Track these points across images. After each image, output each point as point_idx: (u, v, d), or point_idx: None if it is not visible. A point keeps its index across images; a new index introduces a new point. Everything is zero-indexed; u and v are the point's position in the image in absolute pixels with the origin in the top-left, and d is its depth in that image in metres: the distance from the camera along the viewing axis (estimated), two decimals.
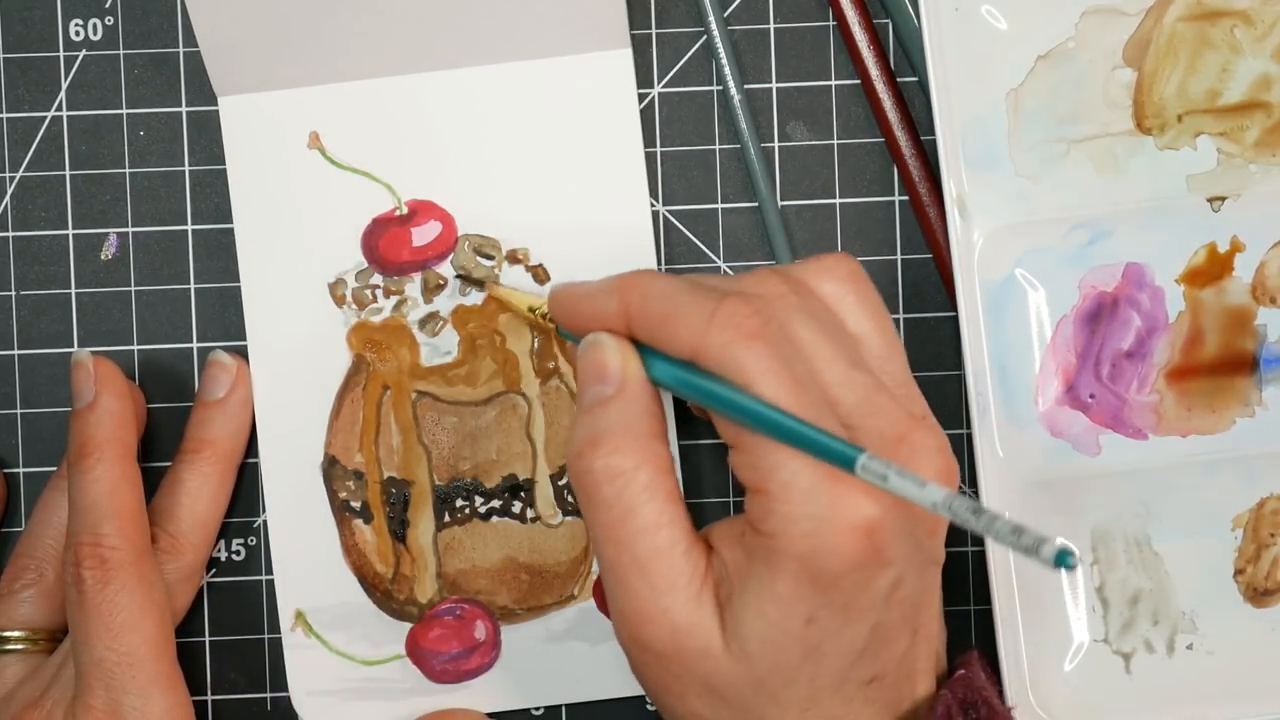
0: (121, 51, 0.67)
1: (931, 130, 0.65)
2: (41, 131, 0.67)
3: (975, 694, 0.60)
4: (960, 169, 0.65)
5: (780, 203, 0.68)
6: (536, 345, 0.67)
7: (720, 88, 0.68)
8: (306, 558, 0.67)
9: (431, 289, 0.66)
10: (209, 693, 0.68)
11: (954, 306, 0.66)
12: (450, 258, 0.67)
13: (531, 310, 0.64)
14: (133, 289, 0.68)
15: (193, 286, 0.68)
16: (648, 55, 0.68)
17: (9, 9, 0.67)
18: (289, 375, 0.66)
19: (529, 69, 0.66)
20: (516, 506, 0.67)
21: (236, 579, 0.68)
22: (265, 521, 0.67)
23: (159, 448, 0.68)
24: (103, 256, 0.68)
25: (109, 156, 0.67)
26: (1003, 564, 0.65)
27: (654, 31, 0.68)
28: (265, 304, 0.66)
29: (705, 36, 0.67)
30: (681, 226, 0.68)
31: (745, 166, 0.68)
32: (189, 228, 0.68)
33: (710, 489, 0.68)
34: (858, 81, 0.68)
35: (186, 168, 0.68)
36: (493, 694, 0.67)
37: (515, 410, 0.67)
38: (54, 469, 0.67)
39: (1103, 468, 0.66)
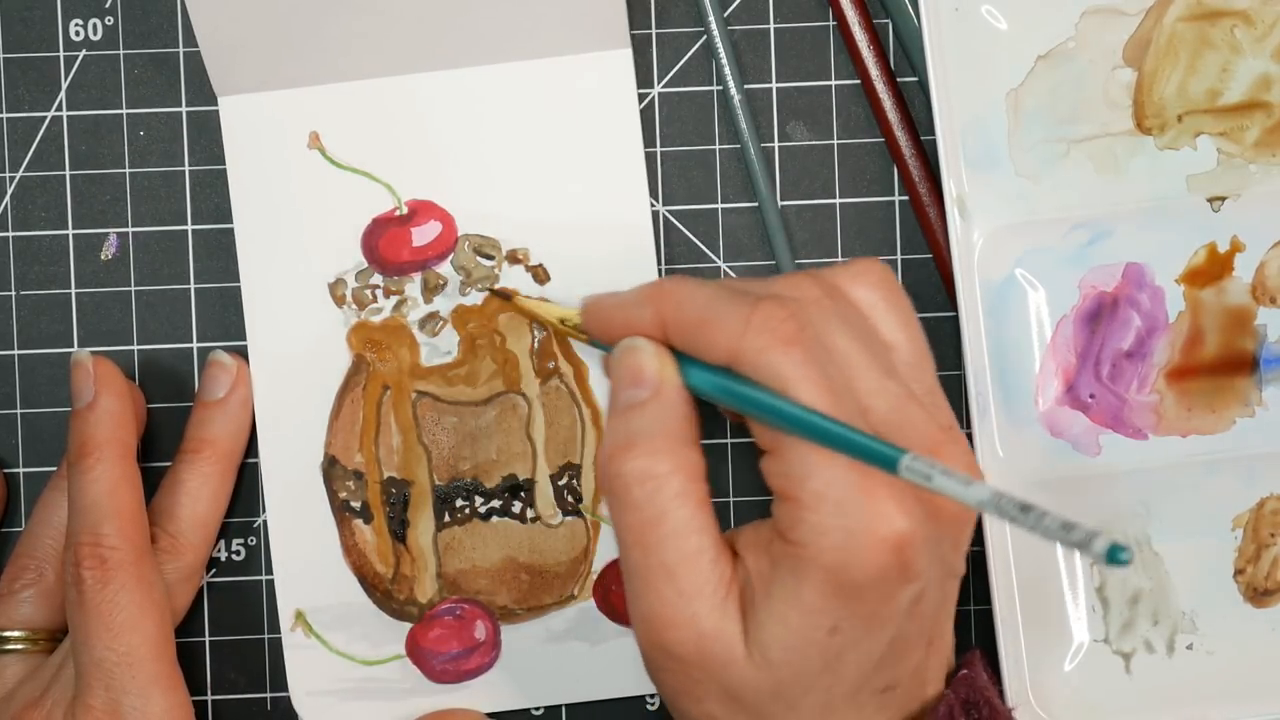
0: (121, 51, 0.67)
1: (931, 130, 0.65)
2: (41, 131, 0.67)
3: (978, 694, 0.60)
4: (960, 169, 0.65)
5: (780, 203, 0.68)
6: (537, 345, 0.67)
7: (720, 88, 0.68)
8: (306, 558, 0.67)
9: (431, 289, 0.66)
10: (209, 693, 0.68)
11: (954, 306, 0.65)
12: (450, 258, 0.67)
13: (563, 321, 0.64)
14: (133, 289, 0.68)
15: (193, 286, 0.68)
16: (648, 55, 0.68)
17: (9, 9, 0.67)
18: (289, 375, 0.66)
19: (529, 69, 0.66)
20: (516, 506, 0.67)
21: (236, 579, 0.68)
22: (265, 521, 0.67)
23: (159, 448, 0.68)
24: (103, 256, 0.68)
25: (109, 156, 0.67)
26: (1003, 564, 0.65)
27: (654, 31, 0.68)
28: (265, 304, 0.66)
29: (705, 36, 0.67)
30: (681, 226, 0.68)
31: (745, 166, 0.68)
32: (189, 228, 0.68)
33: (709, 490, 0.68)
34: (858, 81, 0.68)
35: (186, 168, 0.68)
36: (493, 694, 0.67)
37: (515, 410, 0.67)
38: (54, 469, 0.67)
39: (1103, 468, 0.66)
